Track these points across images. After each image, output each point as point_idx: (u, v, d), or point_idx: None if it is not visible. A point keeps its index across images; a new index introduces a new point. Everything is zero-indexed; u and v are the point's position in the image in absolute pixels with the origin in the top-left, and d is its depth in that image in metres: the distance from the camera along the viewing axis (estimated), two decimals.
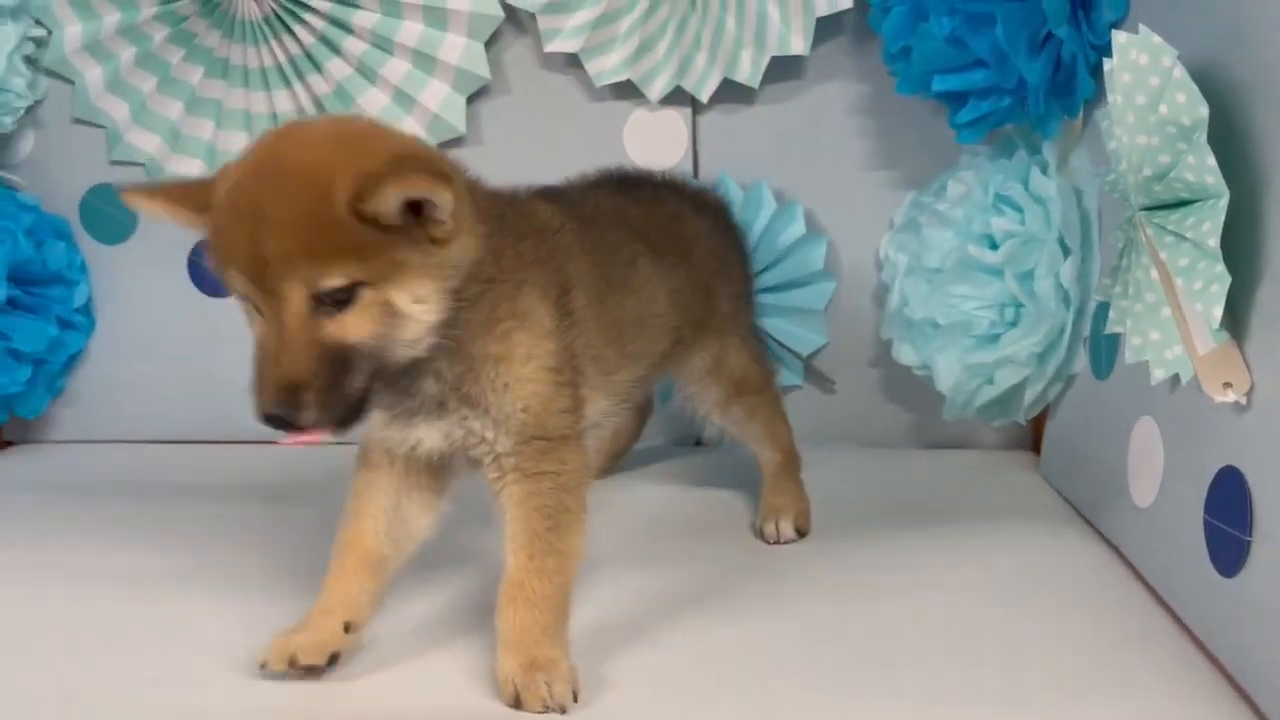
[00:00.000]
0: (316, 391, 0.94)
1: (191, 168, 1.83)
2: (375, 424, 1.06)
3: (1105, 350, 1.41)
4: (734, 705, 1.01)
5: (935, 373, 1.60)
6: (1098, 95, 1.47)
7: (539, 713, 0.98)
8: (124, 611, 1.21)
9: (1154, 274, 1.15)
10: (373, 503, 1.10)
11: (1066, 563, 1.32)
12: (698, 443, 1.81)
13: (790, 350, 1.74)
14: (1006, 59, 1.43)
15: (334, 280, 0.92)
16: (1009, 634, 1.14)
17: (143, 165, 1.84)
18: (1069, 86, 1.47)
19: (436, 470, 1.12)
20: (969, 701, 1.01)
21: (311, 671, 1.04)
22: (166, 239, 1.87)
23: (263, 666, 1.04)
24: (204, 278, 1.88)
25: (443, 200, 0.94)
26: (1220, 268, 1.03)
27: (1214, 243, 1.02)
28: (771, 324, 1.73)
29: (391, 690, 1.04)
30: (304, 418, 0.94)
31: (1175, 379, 1.19)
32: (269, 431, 1.81)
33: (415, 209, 0.94)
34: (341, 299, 0.93)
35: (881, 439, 1.78)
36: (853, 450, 1.74)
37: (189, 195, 0.99)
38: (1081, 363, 1.51)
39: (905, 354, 1.65)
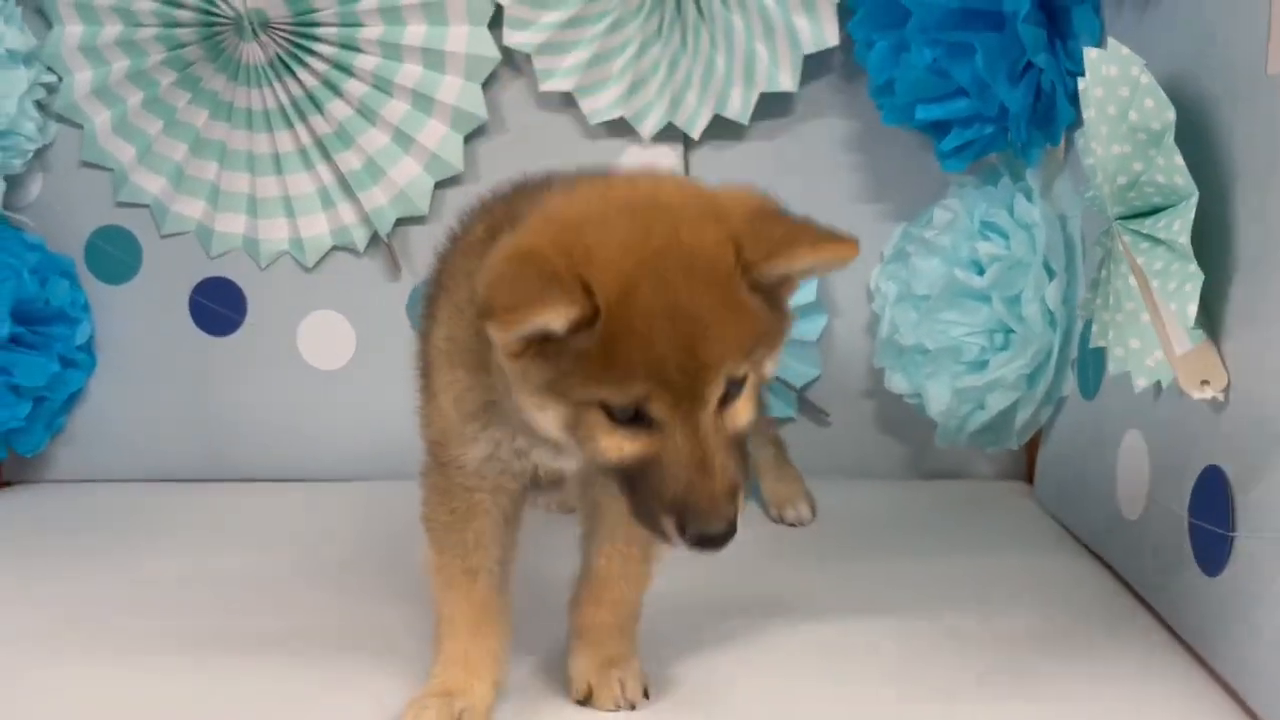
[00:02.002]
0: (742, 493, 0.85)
1: (195, 209, 1.87)
2: (500, 446, 0.98)
3: (1092, 369, 1.42)
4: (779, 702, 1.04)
5: (926, 399, 1.61)
6: (1078, 122, 1.50)
7: (610, 710, 0.99)
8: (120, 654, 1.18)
9: (1132, 281, 1.16)
10: (489, 556, 1.03)
11: (1060, 582, 1.32)
12: None
13: (784, 382, 1.75)
14: (988, 88, 1.46)
15: (742, 369, 0.84)
16: (1001, 646, 1.14)
17: (148, 206, 1.88)
18: (1049, 114, 1.50)
19: (521, 504, 1.07)
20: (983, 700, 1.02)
21: None
22: (169, 280, 1.91)
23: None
24: (205, 317, 1.91)
25: (847, 259, 0.88)
26: (1193, 266, 1.05)
27: (1185, 240, 1.04)
28: None
29: None
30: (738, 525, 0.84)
31: (1158, 388, 1.20)
32: (262, 468, 1.90)
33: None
34: (736, 390, 0.85)
35: (876, 470, 1.78)
36: (847, 482, 1.73)
37: (570, 296, 0.80)
38: (1070, 385, 1.52)
39: (897, 382, 1.66)
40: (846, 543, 1.49)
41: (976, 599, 1.27)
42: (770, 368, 0.89)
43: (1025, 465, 1.76)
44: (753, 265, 0.83)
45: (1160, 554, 1.18)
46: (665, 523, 0.83)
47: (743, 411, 0.86)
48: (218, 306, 1.90)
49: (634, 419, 0.83)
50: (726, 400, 0.84)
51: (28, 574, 1.46)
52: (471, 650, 1.02)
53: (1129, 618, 1.21)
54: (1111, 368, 1.24)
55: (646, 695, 1.03)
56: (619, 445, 0.84)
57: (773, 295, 0.87)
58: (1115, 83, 1.12)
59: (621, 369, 0.81)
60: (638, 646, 1.07)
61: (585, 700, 1.03)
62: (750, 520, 1.54)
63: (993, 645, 1.14)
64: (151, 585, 1.39)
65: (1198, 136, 1.10)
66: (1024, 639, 1.16)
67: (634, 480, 0.85)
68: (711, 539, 0.82)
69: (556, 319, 0.79)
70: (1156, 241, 1.09)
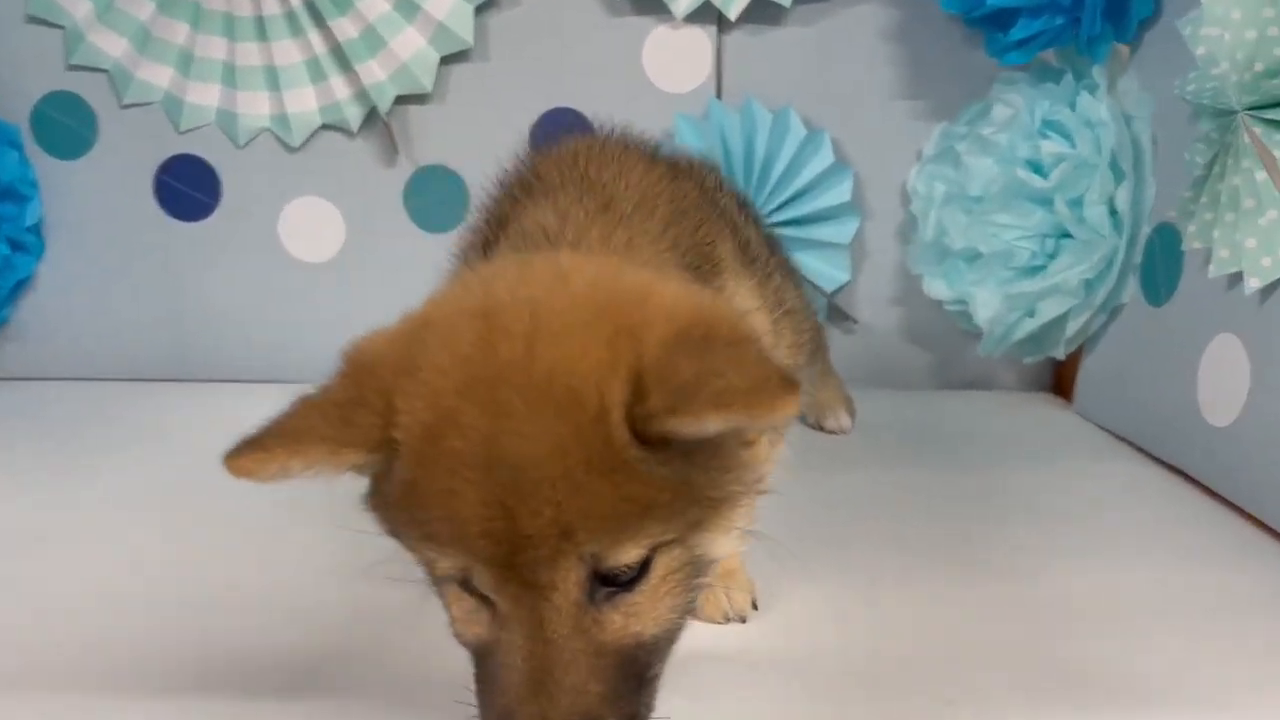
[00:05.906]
0: None
1: (162, 76, 1.67)
2: None
3: (1164, 274, 1.37)
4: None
5: (973, 305, 1.54)
6: (1153, 16, 1.43)
7: (719, 623, 0.94)
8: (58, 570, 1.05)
9: (1259, 176, 1.11)
10: None
11: (1123, 486, 1.29)
12: None
13: (814, 286, 1.67)
14: None
15: (633, 552, 0.60)
16: (1097, 561, 1.07)
17: (106, 71, 1.67)
18: (1123, 7, 1.43)
19: None
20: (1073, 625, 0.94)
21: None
22: (130, 156, 1.71)
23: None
24: (173, 199, 1.72)
25: (788, 416, 0.57)
26: None
27: None
28: (795, 259, 1.66)
29: None
30: None
31: (1262, 291, 1.15)
32: (233, 369, 1.73)
33: None
34: (632, 575, 0.61)
35: (902, 379, 1.72)
36: (875, 390, 1.67)
37: (347, 430, 0.62)
38: (1130, 292, 1.47)
39: (937, 288, 1.59)
40: (891, 451, 1.43)
41: (1040, 506, 1.22)
42: (716, 543, 0.64)
43: (1051, 377, 1.72)
44: (648, 418, 0.58)
45: (1259, 459, 1.14)
46: None
47: (649, 609, 0.62)
48: (187, 188, 1.72)
49: (499, 606, 0.62)
50: (621, 588, 0.62)
51: None
52: None
53: (1214, 521, 1.18)
54: (1214, 270, 1.19)
55: (755, 606, 0.97)
56: (464, 619, 0.64)
57: (716, 450, 0.62)
58: None
59: (426, 528, 0.61)
60: (743, 558, 0.99)
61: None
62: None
63: (1061, 554, 1.08)
64: (106, 497, 1.24)
65: None
66: (1092, 541, 1.11)
67: (478, 671, 0.64)
68: None
69: (324, 449, 0.62)
70: None
